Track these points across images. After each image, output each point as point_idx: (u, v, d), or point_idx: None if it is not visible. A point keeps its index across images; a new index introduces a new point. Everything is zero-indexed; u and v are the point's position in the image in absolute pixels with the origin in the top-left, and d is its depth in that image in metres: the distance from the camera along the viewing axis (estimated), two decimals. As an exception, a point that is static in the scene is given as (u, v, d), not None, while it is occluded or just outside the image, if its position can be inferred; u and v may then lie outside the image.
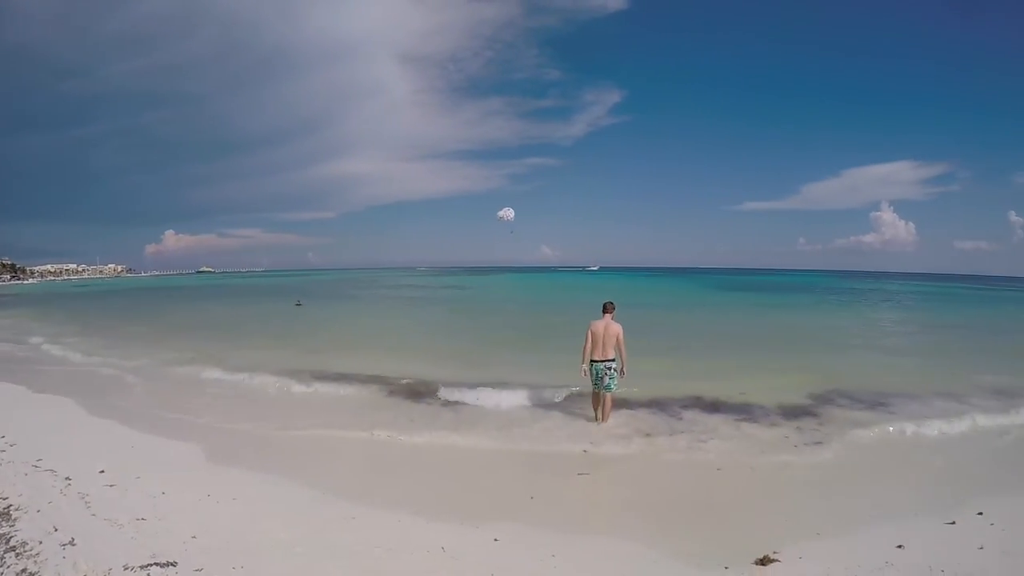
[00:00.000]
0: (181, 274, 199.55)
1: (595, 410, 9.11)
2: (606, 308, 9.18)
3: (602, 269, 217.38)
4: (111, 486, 6.04)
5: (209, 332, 22.61)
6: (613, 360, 8.88)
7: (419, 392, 11.23)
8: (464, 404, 10.29)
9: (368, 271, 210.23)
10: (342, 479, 6.73)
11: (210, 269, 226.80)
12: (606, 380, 8.83)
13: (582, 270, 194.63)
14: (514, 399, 10.35)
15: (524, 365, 13.55)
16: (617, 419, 9.19)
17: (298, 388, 11.74)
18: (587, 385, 9.39)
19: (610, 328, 8.94)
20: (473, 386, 11.04)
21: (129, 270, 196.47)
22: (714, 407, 10.12)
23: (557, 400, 10.36)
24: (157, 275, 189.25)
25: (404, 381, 11.96)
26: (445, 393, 10.87)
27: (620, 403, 9.60)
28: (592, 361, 8.90)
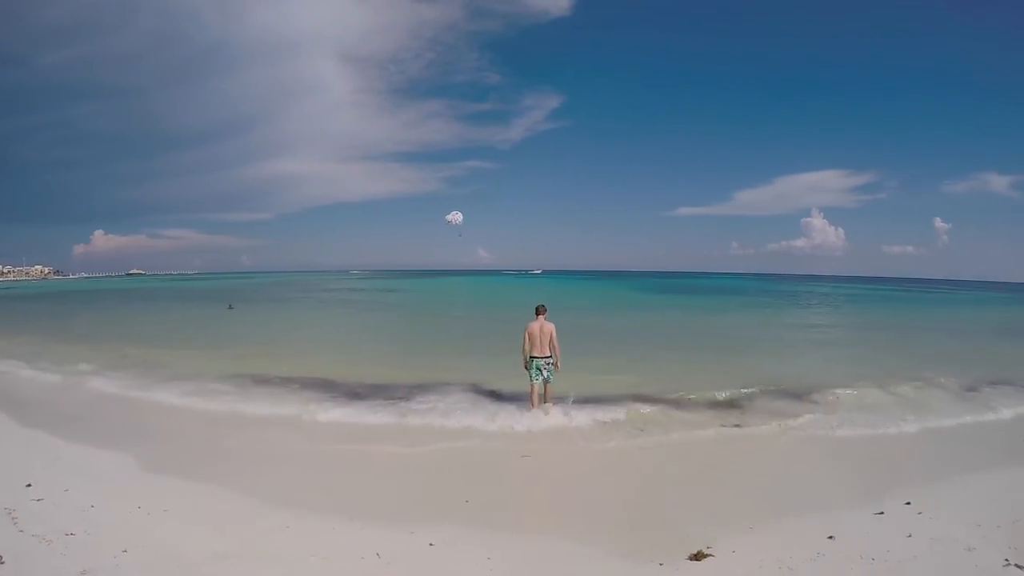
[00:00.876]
0: (111, 276, 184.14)
1: (532, 401, 9.71)
2: (539, 310, 10.08)
3: (545, 273, 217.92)
4: (39, 500, 5.83)
5: (138, 337, 21.39)
6: (550, 356, 9.75)
7: (355, 396, 10.93)
8: (401, 407, 10.07)
9: (304, 274, 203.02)
10: (278, 486, 6.55)
11: (141, 271, 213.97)
12: (544, 373, 9.72)
13: (525, 274, 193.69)
14: (451, 401, 10.27)
15: (462, 367, 13.36)
16: (553, 419, 9.30)
17: (231, 394, 11.21)
18: (523, 385, 10.03)
19: (544, 328, 9.84)
20: (410, 389, 11.01)
21: (56, 272, 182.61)
22: (648, 405, 10.17)
23: (493, 402, 10.28)
24: (86, 277, 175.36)
25: (339, 385, 11.71)
26: (381, 396, 10.69)
27: (557, 404, 9.90)
28: (532, 357, 9.72)
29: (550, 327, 9.87)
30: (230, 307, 33.94)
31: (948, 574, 4.51)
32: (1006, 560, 4.76)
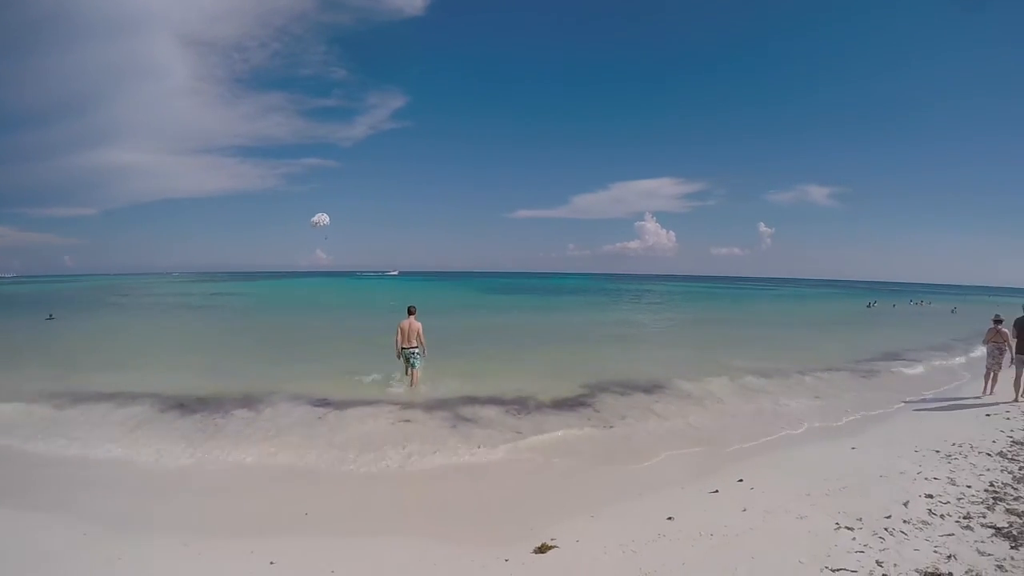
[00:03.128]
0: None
1: (412, 380, 11.69)
2: (410, 311, 11.92)
3: (402, 274, 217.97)
4: None
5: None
6: (417, 347, 11.74)
7: (188, 409, 10.11)
8: (237, 419, 9.51)
9: (132, 277, 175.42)
10: (104, 512, 5.91)
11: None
12: (412, 360, 11.72)
13: (382, 275, 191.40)
14: (290, 411, 9.91)
15: (299, 375, 12.94)
16: (398, 423, 9.26)
17: (52, 413, 10.00)
18: (360, 394, 11.11)
19: (413, 325, 11.71)
20: (247, 400, 10.50)
21: None
22: (492, 405, 10.36)
23: (330, 411, 9.95)
24: None
25: (171, 398, 10.77)
26: (216, 409, 10.05)
27: (403, 407, 10.20)
28: (403, 348, 11.65)
29: (418, 324, 11.76)
30: (50, 317, 29.58)
31: (783, 542, 4.76)
32: (836, 524, 5.11)
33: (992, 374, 11.98)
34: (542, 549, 4.86)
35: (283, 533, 5.35)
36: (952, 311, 46.16)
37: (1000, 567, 4.20)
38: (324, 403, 10.36)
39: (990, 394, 11.80)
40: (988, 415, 9.67)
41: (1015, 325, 11.36)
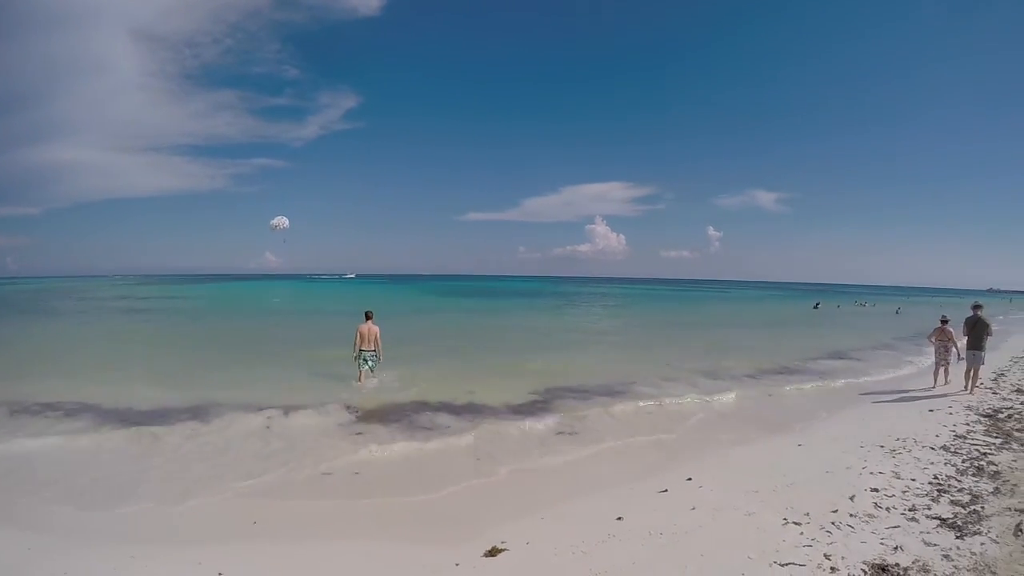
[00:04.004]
0: None
1: (360, 380, 12.31)
2: (368, 315, 12.72)
3: (359, 277, 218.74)
4: None
5: None
6: (374, 351, 12.51)
7: (132, 420, 9.53)
8: (182, 428, 9.05)
9: (74, 279, 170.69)
10: (48, 525, 5.60)
11: None
12: (370, 363, 12.48)
13: (339, 278, 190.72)
14: (237, 418, 9.57)
15: (247, 382, 12.53)
16: (348, 428, 9.14)
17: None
18: (310, 400, 10.68)
19: (372, 329, 12.51)
20: (193, 409, 10.10)
21: None
22: (443, 409, 10.26)
23: (278, 417, 9.67)
24: None
25: (114, 409, 10.26)
26: (160, 419, 9.57)
27: (353, 412, 10.10)
28: (361, 351, 12.36)
29: (376, 329, 12.53)
30: None
31: (732, 539, 4.76)
32: (784, 519, 5.13)
33: (941, 368, 12.87)
34: (492, 552, 4.76)
35: (231, 541, 5.13)
36: (896, 311, 48.36)
37: (946, 556, 4.28)
38: (271, 410, 10.02)
39: (944, 384, 12.64)
40: (931, 411, 9.97)
41: (965, 323, 12.17)
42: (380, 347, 12.50)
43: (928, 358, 16.58)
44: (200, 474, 7.11)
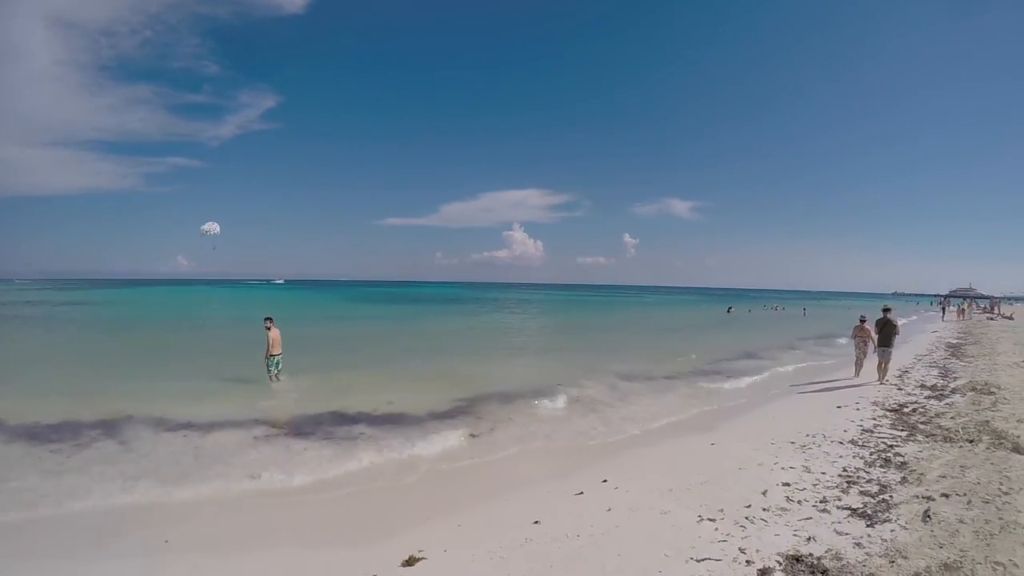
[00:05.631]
0: None
1: (271, 380, 13.16)
2: (271, 320, 13.55)
3: (288, 282, 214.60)
4: None
5: None
6: (281, 353, 13.51)
7: (41, 438, 8.86)
8: (95, 445, 8.49)
9: None
10: None
11: None
12: (279, 365, 13.43)
13: (267, 283, 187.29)
14: (149, 433, 9.05)
15: (160, 394, 11.77)
16: (264, 439, 8.74)
17: None
18: (221, 415, 10.01)
19: (278, 334, 13.56)
20: (104, 424, 9.49)
21: None
22: (360, 420, 9.94)
23: (192, 430, 9.22)
24: None
25: (19, 426, 9.46)
26: (71, 435, 8.96)
27: (268, 423, 9.68)
28: (272, 355, 13.31)
29: (278, 332, 13.58)
30: None
31: (649, 538, 4.81)
32: (699, 516, 5.20)
33: (860, 362, 14.50)
34: (410, 562, 4.62)
35: (139, 556, 4.75)
36: (803, 313, 51.99)
37: (858, 544, 4.44)
38: (186, 423, 9.52)
39: (857, 376, 14.15)
40: (839, 407, 10.46)
41: (876, 324, 13.75)
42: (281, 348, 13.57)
43: (829, 357, 19.57)
44: (112, 491, 6.61)
